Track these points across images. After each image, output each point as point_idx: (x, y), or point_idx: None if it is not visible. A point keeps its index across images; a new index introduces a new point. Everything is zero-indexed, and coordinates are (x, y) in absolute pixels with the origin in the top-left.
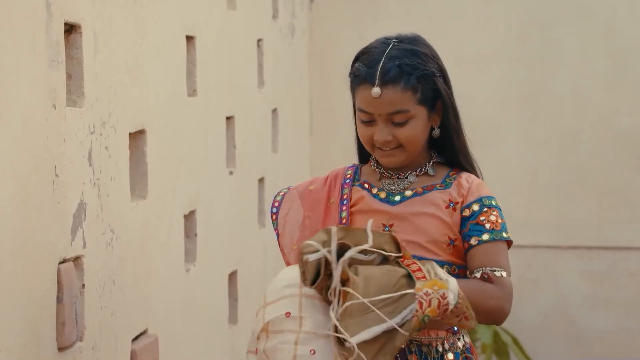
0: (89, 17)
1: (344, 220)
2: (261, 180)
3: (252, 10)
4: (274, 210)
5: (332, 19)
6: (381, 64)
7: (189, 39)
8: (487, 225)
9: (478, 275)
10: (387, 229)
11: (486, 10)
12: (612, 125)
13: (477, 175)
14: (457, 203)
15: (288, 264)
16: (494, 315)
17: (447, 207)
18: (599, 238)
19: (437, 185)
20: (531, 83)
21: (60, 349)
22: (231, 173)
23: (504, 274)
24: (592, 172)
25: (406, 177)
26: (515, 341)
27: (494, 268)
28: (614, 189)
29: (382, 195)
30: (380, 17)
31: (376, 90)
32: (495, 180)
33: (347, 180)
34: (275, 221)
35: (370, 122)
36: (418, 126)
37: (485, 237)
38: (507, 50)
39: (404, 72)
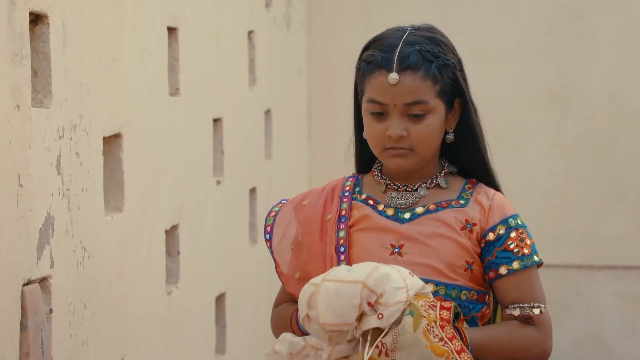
0: (58, 6)
1: (342, 242)
2: (253, 191)
3: None
4: (267, 236)
5: (333, 7)
6: (399, 48)
7: (172, 30)
8: (517, 251)
9: (516, 313)
10: (396, 249)
11: None
12: None
13: (497, 188)
14: (474, 224)
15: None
16: None
17: (463, 228)
18: (638, 257)
19: (453, 202)
20: (561, 80)
21: None
22: (219, 182)
23: (542, 308)
24: (631, 181)
25: (415, 190)
26: None
27: (531, 304)
28: None
29: (390, 212)
30: (387, 5)
31: (394, 76)
32: (519, 191)
33: (346, 194)
34: (270, 249)
35: (381, 114)
36: (434, 124)
37: (516, 265)
38: (533, 42)
39: (424, 58)
